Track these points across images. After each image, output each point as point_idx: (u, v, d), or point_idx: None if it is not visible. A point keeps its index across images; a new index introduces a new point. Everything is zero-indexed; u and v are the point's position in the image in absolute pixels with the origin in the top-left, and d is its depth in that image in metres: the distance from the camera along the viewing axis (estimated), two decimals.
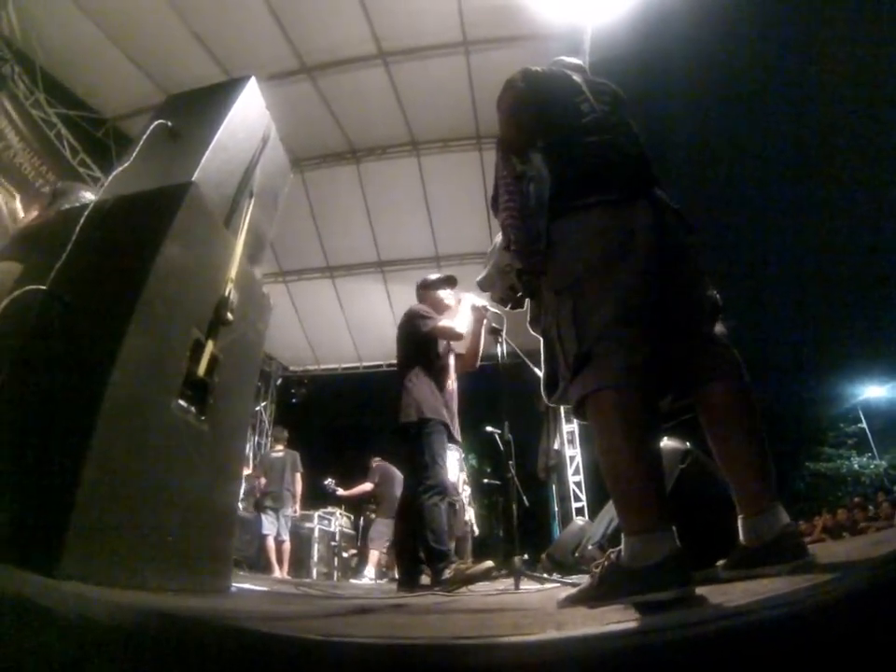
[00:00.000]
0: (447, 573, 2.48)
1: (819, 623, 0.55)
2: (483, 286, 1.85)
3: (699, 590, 1.02)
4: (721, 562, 1.29)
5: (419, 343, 3.01)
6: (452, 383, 3.10)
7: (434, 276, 3.36)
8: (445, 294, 3.21)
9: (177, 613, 0.91)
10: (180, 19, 4.77)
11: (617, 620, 0.79)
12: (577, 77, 1.59)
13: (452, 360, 3.16)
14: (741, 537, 1.23)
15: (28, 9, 4.68)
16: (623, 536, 1.13)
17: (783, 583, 0.94)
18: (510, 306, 1.81)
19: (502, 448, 3.10)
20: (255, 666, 0.61)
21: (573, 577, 2.63)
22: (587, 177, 1.35)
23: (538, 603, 1.50)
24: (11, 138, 4.66)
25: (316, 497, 7.22)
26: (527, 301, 1.72)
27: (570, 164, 1.40)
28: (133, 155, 1.70)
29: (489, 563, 2.57)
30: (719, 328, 1.36)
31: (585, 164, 1.37)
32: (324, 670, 0.56)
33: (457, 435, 3.08)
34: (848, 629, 0.53)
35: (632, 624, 0.74)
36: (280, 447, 5.93)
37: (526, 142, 1.50)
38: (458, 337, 3.02)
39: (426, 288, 3.27)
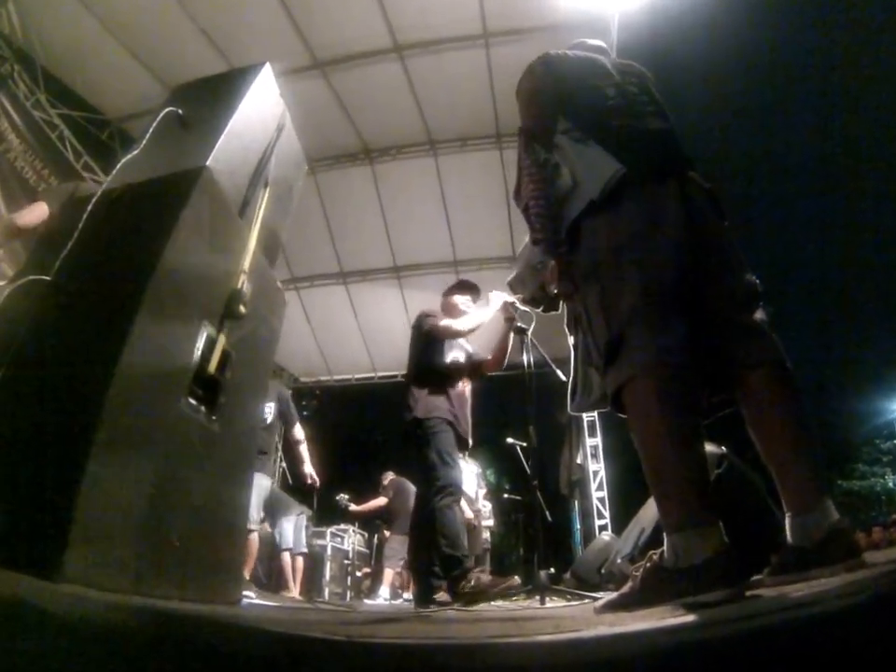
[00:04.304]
0: (469, 584, 2.34)
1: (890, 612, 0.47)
2: (514, 286, 1.78)
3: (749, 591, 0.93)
4: (765, 570, 1.20)
5: (421, 343, 2.95)
6: (464, 385, 2.99)
7: (456, 282, 3.37)
8: (461, 299, 3.16)
9: (182, 614, 0.82)
10: (187, 14, 4.56)
11: (671, 617, 0.70)
12: (603, 60, 1.55)
13: (463, 360, 3.04)
14: (788, 536, 1.13)
15: (29, 6, 4.50)
16: (664, 535, 1.05)
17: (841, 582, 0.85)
18: (542, 308, 1.75)
19: (524, 458, 2.98)
20: (274, 667, 0.53)
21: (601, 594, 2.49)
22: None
23: (572, 612, 1.39)
24: (12, 140, 4.51)
25: (329, 514, 7.06)
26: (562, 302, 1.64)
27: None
28: (143, 144, 1.64)
29: (515, 578, 2.44)
30: (759, 314, 1.26)
31: (609, 149, 1.32)
32: (353, 670, 0.48)
33: (470, 439, 2.94)
34: None
35: (689, 619, 0.66)
36: None
37: (549, 128, 1.45)
38: (457, 335, 2.95)
39: (445, 294, 3.26)
